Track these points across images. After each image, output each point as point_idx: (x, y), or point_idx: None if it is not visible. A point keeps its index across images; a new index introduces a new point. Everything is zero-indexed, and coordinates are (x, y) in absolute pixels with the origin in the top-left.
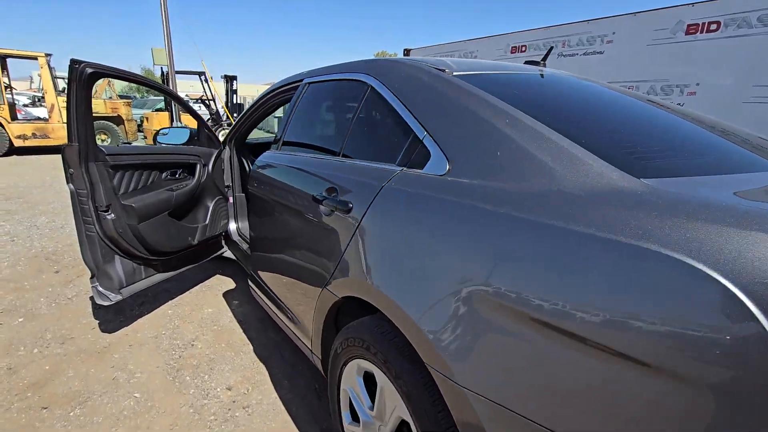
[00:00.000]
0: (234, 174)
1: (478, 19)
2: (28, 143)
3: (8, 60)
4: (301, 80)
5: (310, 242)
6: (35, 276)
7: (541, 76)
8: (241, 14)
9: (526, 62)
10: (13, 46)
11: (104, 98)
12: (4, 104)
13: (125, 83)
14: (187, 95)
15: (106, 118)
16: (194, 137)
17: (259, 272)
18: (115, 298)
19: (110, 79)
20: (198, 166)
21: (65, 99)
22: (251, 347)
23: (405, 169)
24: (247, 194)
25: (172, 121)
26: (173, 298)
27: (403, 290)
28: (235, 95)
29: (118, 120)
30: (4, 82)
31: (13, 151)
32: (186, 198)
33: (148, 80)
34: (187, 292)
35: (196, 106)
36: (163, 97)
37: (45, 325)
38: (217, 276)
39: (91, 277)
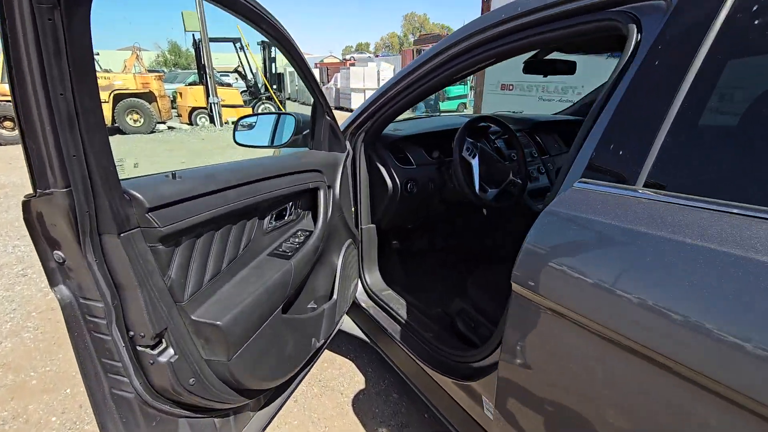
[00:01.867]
0: (361, 192)
1: None
2: None
3: None
4: None
5: None
6: (46, 356)
7: None
8: None
9: None
10: None
11: (134, 72)
12: None
13: (153, 57)
14: (215, 68)
15: (137, 95)
16: (302, 131)
17: None
18: None
19: (138, 52)
20: (321, 192)
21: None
22: None
23: None
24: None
25: (208, 96)
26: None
27: None
28: (273, 64)
29: (149, 97)
30: None
31: None
32: (309, 264)
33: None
34: (291, 400)
35: (231, 78)
36: (195, 70)
37: None
38: (330, 356)
39: None
